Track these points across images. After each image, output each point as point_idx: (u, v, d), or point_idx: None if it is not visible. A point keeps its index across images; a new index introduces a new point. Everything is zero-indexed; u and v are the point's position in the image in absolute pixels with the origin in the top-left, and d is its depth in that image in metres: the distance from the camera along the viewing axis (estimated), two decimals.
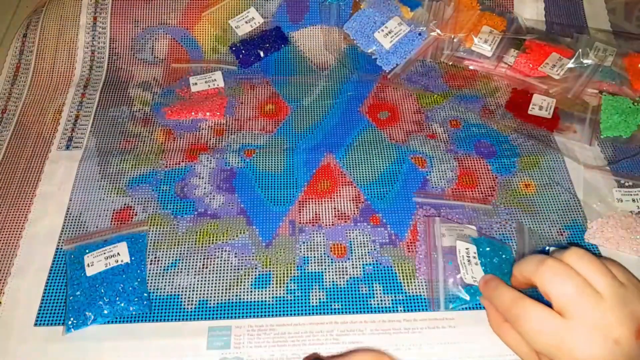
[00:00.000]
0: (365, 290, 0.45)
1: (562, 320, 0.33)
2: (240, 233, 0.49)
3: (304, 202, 0.51)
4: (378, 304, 0.45)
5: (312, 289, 0.45)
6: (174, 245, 0.48)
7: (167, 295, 0.45)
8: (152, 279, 0.46)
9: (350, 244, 0.48)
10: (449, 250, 0.45)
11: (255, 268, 0.47)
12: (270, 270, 0.46)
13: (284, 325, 0.43)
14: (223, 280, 0.46)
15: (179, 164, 0.54)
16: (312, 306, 0.44)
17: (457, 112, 0.59)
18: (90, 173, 0.53)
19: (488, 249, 0.45)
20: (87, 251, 0.46)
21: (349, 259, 0.47)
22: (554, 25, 0.68)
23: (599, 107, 0.59)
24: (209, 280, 0.46)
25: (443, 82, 0.62)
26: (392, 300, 0.45)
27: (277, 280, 0.46)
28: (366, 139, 0.57)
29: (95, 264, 0.45)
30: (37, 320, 0.43)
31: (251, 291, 0.45)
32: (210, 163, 0.54)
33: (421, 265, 0.46)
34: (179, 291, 0.45)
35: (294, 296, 0.45)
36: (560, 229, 0.49)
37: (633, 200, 0.51)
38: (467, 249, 0.45)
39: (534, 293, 0.37)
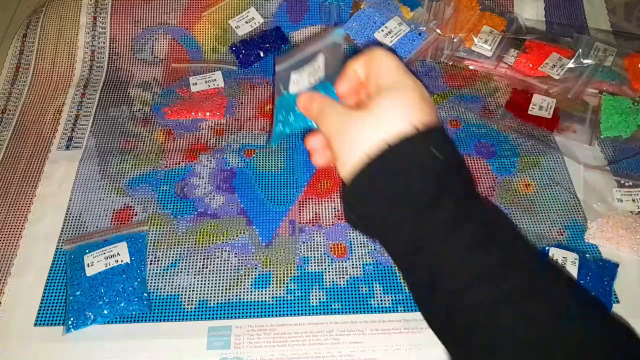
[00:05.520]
0: (365, 290, 0.45)
1: None
2: (240, 233, 0.49)
3: (304, 202, 0.51)
4: (378, 304, 0.45)
5: (312, 289, 0.45)
6: (174, 245, 0.48)
7: (167, 295, 0.45)
8: (152, 279, 0.46)
9: (350, 244, 0.48)
10: None
11: (255, 268, 0.47)
12: (270, 270, 0.46)
13: (284, 325, 0.43)
14: (223, 280, 0.46)
15: (179, 164, 0.54)
16: (312, 306, 0.44)
17: (457, 112, 0.59)
18: (90, 173, 0.53)
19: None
20: (87, 251, 0.46)
21: (349, 258, 0.47)
22: (554, 25, 0.68)
23: (599, 107, 0.59)
24: (209, 280, 0.46)
25: (443, 82, 0.62)
26: (392, 300, 0.45)
27: (277, 280, 0.46)
28: None
29: (95, 264, 0.45)
30: (37, 320, 0.43)
31: (251, 291, 0.45)
32: (210, 163, 0.54)
33: None
34: (179, 291, 0.45)
35: (294, 296, 0.45)
36: (560, 229, 0.49)
37: (633, 200, 0.51)
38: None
39: None
